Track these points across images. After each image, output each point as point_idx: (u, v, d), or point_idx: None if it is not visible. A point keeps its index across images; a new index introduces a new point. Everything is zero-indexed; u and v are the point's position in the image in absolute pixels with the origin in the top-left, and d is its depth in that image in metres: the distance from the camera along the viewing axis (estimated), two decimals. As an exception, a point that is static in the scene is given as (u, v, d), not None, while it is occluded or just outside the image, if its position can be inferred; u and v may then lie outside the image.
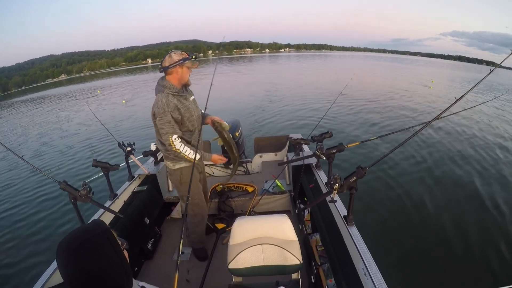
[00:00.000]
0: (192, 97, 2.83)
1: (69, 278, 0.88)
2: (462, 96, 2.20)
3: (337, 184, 2.22)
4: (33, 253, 4.80)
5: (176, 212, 3.91)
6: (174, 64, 2.51)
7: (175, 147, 2.55)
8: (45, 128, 15.46)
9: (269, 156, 5.01)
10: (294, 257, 1.99)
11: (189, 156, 2.60)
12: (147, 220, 3.47)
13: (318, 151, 3.20)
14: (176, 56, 2.52)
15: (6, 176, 8.65)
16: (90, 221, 1.05)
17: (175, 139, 2.54)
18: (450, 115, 2.56)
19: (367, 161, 6.46)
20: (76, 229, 0.96)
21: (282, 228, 2.03)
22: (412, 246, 4.48)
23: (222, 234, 3.54)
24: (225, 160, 2.82)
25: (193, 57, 2.59)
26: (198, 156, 2.60)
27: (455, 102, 2.20)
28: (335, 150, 3.09)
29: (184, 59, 2.52)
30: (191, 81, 2.74)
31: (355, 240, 2.28)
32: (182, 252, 3.22)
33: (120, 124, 13.36)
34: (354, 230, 2.40)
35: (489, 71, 2.20)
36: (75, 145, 11.01)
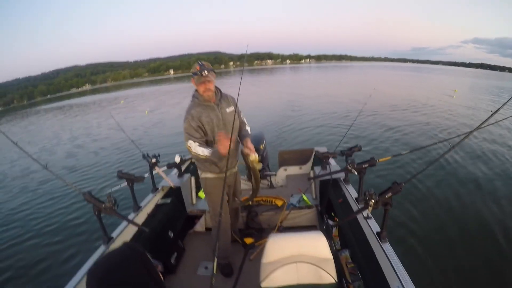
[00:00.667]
0: (230, 108, 2.75)
1: None
2: (500, 108, 2.19)
3: (372, 200, 2.17)
4: (51, 265, 4.81)
5: (200, 226, 3.82)
6: (192, 75, 2.55)
7: (192, 150, 2.54)
8: (70, 136, 15.91)
9: (293, 170, 4.93)
10: (329, 276, 1.91)
11: (202, 153, 2.53)
12: (171, 234, 3.41)
13: (349, 166, 3.11)
14: (193, 68, 2.54)
15: (28, 183, 8.85)
16: (121, 244, 0.98)
17: (190, 144, 2.53)
18: (487, 126, 2.40)
19: (393, 176, 6.30)
20: (109, 255, 0.90)
21: (317, 245, 1.98)
22: (451, 263, 4.26)
23: (250, 249, 3.42)
24: (227, 146, 2.39)
25: (201, 73, 2.48)
26: (207, 152, 2.51)
27: (493, 114, 2.17)
28: (366, 165, 3.00)
29: (193, 74, 2.52)
30: (210, 97, 2.63)
31: (389, 258, 2.19)
32: (206, 267, 3.15)
33: (144, 134, 13.51)
34: (388, 247, 2.31)
35: None
36: (99, 153, 11.24)
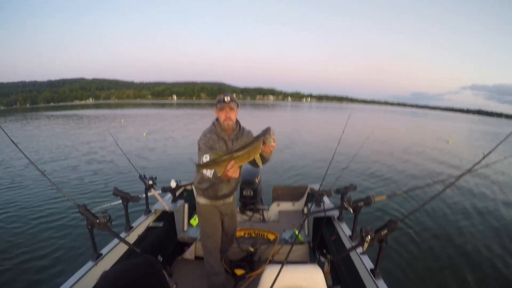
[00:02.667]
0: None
1: None
2: (491, 151, 2.29)
3: (368, 237, 2.22)
4: (34, 277, 4.63)
5: (189, 253, 3.78)
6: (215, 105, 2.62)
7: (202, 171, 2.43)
8: (66, 146, 15.97)
9: (286, 206, 4.91)
10: None
11: (207, 174, 2.37)
12: (160, 258, 3.39)
13: (346, 203, 3.15)
14: (217, 97, 2.63)
15: (23, 187, 8.75)
16: (138, 255, 0.95)
17: (204, 158, 2.43)
18: (479, 168, 2.51)
19: (387, 215, 6.55)
20: (126, 264, 0.90)
21: (314, 279, 1.96)
22: None
23: (240, 281, 3.37)
24: (236, 174, 2.20)
25: (224, 99, 2.58)
26: (210, 173, 2.35)
27: (485, 156, 2.30)
28: (362, 203, 3.06)
29: (217, 101, 2.62)
30: (232, 122, 2.64)
31: None
32: None
33: (139, 156, 13.44)
34: (381, 284, 2.35)
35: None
36: (94, 168, 11.14)
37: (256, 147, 2.15)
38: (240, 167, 2.51)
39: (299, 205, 4.89)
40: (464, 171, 2.43)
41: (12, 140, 2.80)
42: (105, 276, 0.83)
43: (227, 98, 2.57)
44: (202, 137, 2.61)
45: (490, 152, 2.29)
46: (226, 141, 2.66)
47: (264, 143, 2.15)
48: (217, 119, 2.69)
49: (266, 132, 2.16)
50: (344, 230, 3.41)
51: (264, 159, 2.40)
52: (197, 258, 3.72)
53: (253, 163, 2.38)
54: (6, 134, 2.89)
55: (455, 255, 5.47)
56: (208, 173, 2.38)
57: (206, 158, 2.41)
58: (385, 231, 2.23)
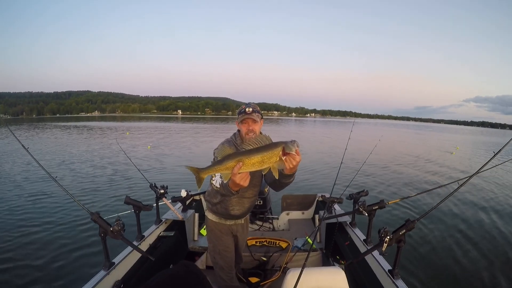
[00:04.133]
0: None
1: None
2: (501, 149, 2.39)
3: (388, 237, 2.24)
4: (43, 284, 4.57)
5: (200, 263, 3.75)
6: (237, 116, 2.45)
7: (211, 182, 2.40)
8: (76, 155, 16.31)
9: (296, 214, 4.93)
10: None
11: (215, 183, 2.33)
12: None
13: (360, 208, 3.17)
14: (239, 109, 2.47)
15: (35, 195, 8.74)
16: (178, 262, 0.89)
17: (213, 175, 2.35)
18: (488, 169, 2.63)
19: (399, 219, 6.73)
20: (173, 273, 0.86)
21: (337, 280, 1.95)
22: None
23: None
24: (246, 182, 1.90)
25: (245, 110, 2.38)
26: (218, 183, 2.29)
27: (495, 155, 2.34)
28: (376, 207, 3.10)
29: (238, 112, 2.44)
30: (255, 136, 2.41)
31: None
32: None
33: (149, 166, 13.53)
34: (401, 283, 2.35)
35: None
36: (103, 177, 11.18)
37: (272, 152, 1.72)
38: (259, 180, 2.50)
39: (308, 213, 4.90)
40: (475, 171, 2.47)
41: (24, 147, 2.81)
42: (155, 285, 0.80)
43: (248, 109, 2.36)
44: (218, 146, 2.33)
45: (499, 151, 2.35)
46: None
47: (283, 150, 1.72)
48: (238, 130, 2.51)
49: (290, 141, 1.74)
50: (358, 235, 3.42)
51: (284, 176, 2.10)
52: (208, 267, 3.68)
53: (270, 175, 2.20)
54: (19, 141, 2.93)
55: (471, 251, 5.73)
56: (216, 182, 2.30)
57: (216, 182, 2.34)
58: (403, 231, 2.26)
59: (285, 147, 1.70)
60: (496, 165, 3.12)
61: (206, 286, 0.83)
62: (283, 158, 1.72)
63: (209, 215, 2.72)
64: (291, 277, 1.95)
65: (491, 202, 9.13)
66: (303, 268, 1.87)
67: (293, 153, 1.71)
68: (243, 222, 2.83)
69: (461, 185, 2.42)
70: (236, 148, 2.40)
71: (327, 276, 1.97)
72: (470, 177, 2.47)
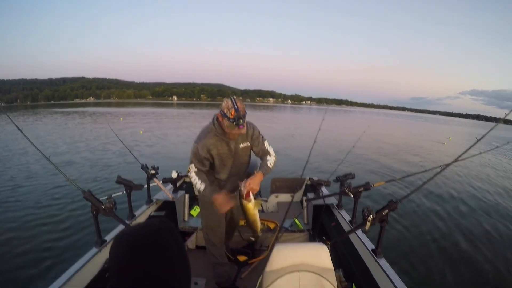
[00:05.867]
0: (245, 143, 2.61)
1: (127, 266, 0.81)
2: (483, 136, 2.40)
3: (371, 216, 2.31)
4: (38, 261, 4.63)
5: (191, 243, 3.79)
6: (221, 111, 2.28)
7: (190, 173, 2.49)
8: (69, 139, 16.41)
9: (285, 197, 4.99)
10: (330, 285, 1.93)
11: (196, 185, 2.45)
12: None
13: (346, 189, 3.26)
14: (225, 106, 2.25)
15: (28, 174, 8.92)
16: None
17: (192, 166, 2.47)
18: (472, 156, 2.82)
19: (385, 201, 6.91)
20: (142, 224, 0.91)
21: (320, 255, 2.00)
22: (446, 273, 4.72)
23: (243, 267, 3.39)
24: (226, 207, 2.41)
25: (238, 125, 2.24)
26: (202, 187, 2.42)
27: (478, 140, 2.41)
28: (362, 189, 3.18)
29: (224, 115, 2.25)
30: (251, 125, 2.58)
31: (386, 271, 2.31)
32: (196, 283, 3.10)
33: (140, 149, 13.62)
34: (384, 262, 2.43)
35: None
36: (96, 160, 11.32)
37: (245, 208, 2.43)
38: (246, 158, 2.72)
39: (297, 196, 4.95)
40: (457, 157, 2.59)
41: (17, 127, 2.81)
42: (121, 236, 0.85)
43: (242, 126, 2.26)
44: (198, 140, 2.43)
45: (482, 138, 2.39)
46: (229, 142, 2.49)
47: (244, 197, 2.36)
48: (217, 119, 2.41)
49: (239, 192, 2.37)
50: (344, 216, 3.53)
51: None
52: (198, 247, 3.75)
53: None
54: (12, 121, 2.90)
55: (450, 230, 6.19)
56: (203, 187, 2.45)
57: (192, 166, 2.46)
58: (386, 211, 2.33)
59: (241, 197, 2.37)
60: (481, 153, 3.21)
61: (177, 236, 0.89)
62: (248, 198, 2.36)
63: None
64: (276, 252, 2.00)
65: (471, 186, 9.82)
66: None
67: (245, 190, 2.33)
68: (235, 194, 2.78)
69: (442, 170, 2.50)
70: (220, 140, 2.47)
71: (311, 252, 2.02)
72: (452, 162, 2.56)
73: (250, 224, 2.60)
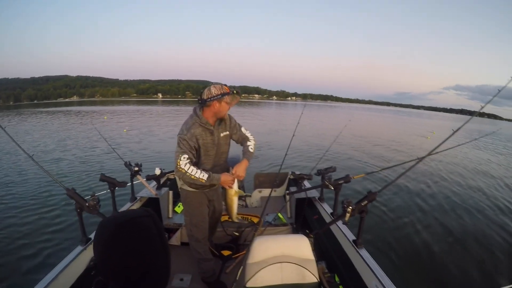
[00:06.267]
0: (225, 133, 2.76)
1: (110, 253, 0.85)
2: (459, 129, 2.58)
3: (350, 207, 2.37)
4: (24, 261, 4.63)
5: (175, 239, 3.82)
6: (212, 98, 2.44)
7: (180, 166, 2.43)
8: (52, 138, 16.14)
9: (268, 192, 4.92)
10: (312, 275, 1.98)
11: (196, 175, 2.45)
12: None
13: (327, 181, 3.36)
14: (215, 90, 2.44)
15: (12, 175, 8.83)
16: None
17: (183, 158, 2.44)
18: (445, 150, 2.96)
19: (360, 193, 7.31)
20: (124, 212, 0.93)
21: (301, 246, 2.06)
22: (424, 260, 5.01)
23: (227, 262, 3.45)
24: (232, 182, 2.64)
25: (234, 92, 2.50)
26: (205, 176, 2.47)
27: (454, 132, 2.56)
28: (342, 181, 3.29)
29: (223, 94, 2.44)
30: (227, 115, 2.73)
31: (366, 261, 2.38)
32: (182, 279, 3.15)
33: (125, 147, 13.56)
34: (364, 252, 2.51)
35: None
36: (80, 159, 11.22)
37: (226, 193, 2.77)
38: (226, 147, 2.87)
39: (280, 191, 5.02)
40: (431, 150, 2.71)
41: (1, 126, 2.82)
42: (105, 223, 0.90)
43: (238, 92, 2.55)
44: (185, 131, 2.51)
45: (457, 130, 2.53)
46: (213, 131, 2.62)
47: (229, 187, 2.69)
48: (200, 109, 2.57)
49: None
50: (326, 209, 3.63)
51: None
52: (183, 243, 3.77)
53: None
54: None
55: (428, 220, 6.52)
56: (201, 175, 2.47)
57: (184, 158, 2.45)
58: (365, 202, 2.40)
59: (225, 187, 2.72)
60: (460, 145, 3.32)
61: (158, 222, 0.94)
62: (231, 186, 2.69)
63: (187, 188, 2.81)
64: (257, 244, 2.05)
65: (448, 177, 10.46)
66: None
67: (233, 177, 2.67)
68: (217, 187, 3.00)
69: (418, 162, 2.63)
70: (204, 130, 2.59)
71: (292, 243, 2.08)
72: (427, 155, 2.71)
73: (227, 209, 2.90)
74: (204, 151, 2.63)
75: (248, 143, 2.87)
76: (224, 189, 2.77)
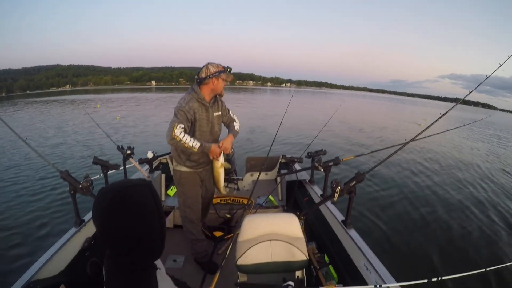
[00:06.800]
0: (218, 113, 2.90)
1: (109, 219, 0.88)
2: (444, 115, 2.70)
3: (339, 187, 2.42)
4: (19, 242, 4.72)
5: (168, 222, 3.85)
6: (210, 76, 2.60)
7: (175, 133, 2.50)
8: (46, 126, 16.40)
9: (260, 175, 5.08)
10: (301, 253, 2.01)
11: (189, 144, 2.53)
12: None
13: (316, 163, 3.44)
14: (212, 68, 2.61)
15: (4, 159, 9.03)
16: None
17: (178, 127, 2.51)
18: (432, 135, 3.09)
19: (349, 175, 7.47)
20: (123, 181, 0.96)
21: (290, 225, 2.10)
22: (410, 239, 5.21)
23: (219, 243, 3.51)
24: (219, 154, 2.76)
25: (228, 70, 2.69)
26: (197, 144, 2.56)
27: (441, 116, 2.68)
28: (332, 163, 3.33)
29: (220, 72, 2.62)
30: (224, 92, 2.84)
31: (355, 241, 2.42)
32: (175, 260, 3.21)
33: (117, 133, 13.78)
34: (353, 232, 2.56)
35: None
36: (73, 144, 11.48)
37: (213, 165, 2.89)
38: (219, 127, 2.97)
39: (272, 174, 5.09)
40: (420, 132, 2.77)
41: None
42: (104, 188, 0.94)
43: (231, 69, 2.74)
44: (183, 104, 2.61)
45: (444, 115, 2.64)
46: (208, 108, 2.74)
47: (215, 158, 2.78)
48: (199, 86, 2.70)
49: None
50: (316, 191, 3.68)
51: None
52: (176, 226, 3.81)
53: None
54: None
55: (417, 201, 6.84)
56: (194, 143, 2.55)
57: (180, 127, 2.51)
58: (354, 182, 2.45)
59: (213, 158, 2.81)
60: (447, 130, 3.40)
61: (155, 192, 0.98)
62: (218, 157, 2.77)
63: (182, 168, 2.89)
64: (247, 222, 2.10)
65: (437, 160, 11.25)
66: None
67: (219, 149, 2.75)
68: (208, 167, 3.05)
69: (406, 143, 2.70)
70: (201, 106, 2.70)
71: (282, 221, 2.12)
72: (415, 136, 2.78)
73: (214, 182, 3.02)
74: (198, 126, 2.72)
75: (234, 123, 3.05)
76: (211, 162, 2.89)
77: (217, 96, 2.86)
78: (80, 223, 2.71)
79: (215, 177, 2.94)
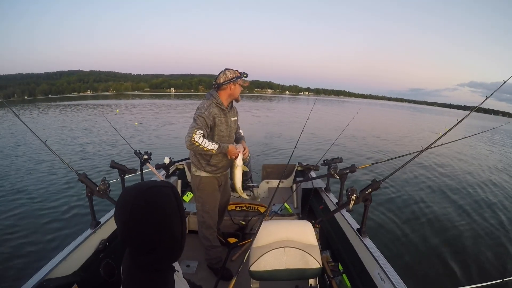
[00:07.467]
0: (235, 118, 2.99)
1: (131, 218, 0.88)
2: (460, 121, 2.51)
3: (354, 195, 2.40)
4: (34, 242, 4.81)
5: None
6: (228, 81, 2.68)
7: (194, 139, 2.52)
8: (66, 129, 16.86)
9: (275, 183, 4.98)
10: (315, 261, 1.99)
11: (208, 147, 2.57)
12: None
13: (332, 171, 3.38)
14: (230, 74, 2.69)
15: (26, 161, 9.20)
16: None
17: (198, 133, 2.53)
18: (449, 142, 2.92)
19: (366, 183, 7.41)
20: (146, 181, 0.98)
21: (305, 232, 2.10)
22: (426, 250, 5.07)
23: (233, 249, 3.50)
24: (237, 153, 2.79)
25: (245, 75, 2.75)
26: (215, 146, 2.60)
27: (458, 122, 2.51)
28: (348, 171, 3.30)
29: (237, 77, 2.70)
30: (240, 98, 2.89)
31: (370, 249, 2.39)
32: (188, 265, 3.22)
33: (134, 139, 13.85)
34: (368, 241, 2.52)
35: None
36: (91, 147, 11.72)
37: (232, 166, 2.89)
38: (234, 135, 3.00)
39: (288, 182, 5.06)
40: (436, 139, 2.66)
41: (14, 112, 2.91)
42: (128, 188, 0.95)
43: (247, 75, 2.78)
44: (203, 110, 2.64)
45: (459, 122, 2.49)
46: (226, 112, 2.79)
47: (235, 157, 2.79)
48: (217, 91, 2.76)
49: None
50: (331, 199, 3.63)
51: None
52: (190, 231, 3.80)
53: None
54: (8, 106, 3.05)
55: (433, 212, 6.59)
56: (212, 146, 2.59)
57: (199, 133, 2.53)
58: (370, 190, 2.41)
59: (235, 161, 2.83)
60: (465, 137, 3.31)
61: (177, 194, 0.98)
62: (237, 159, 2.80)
63: (201, 173, 2.91)
64: (263, 228, 2.10)
65: (457, 168, 11.03)
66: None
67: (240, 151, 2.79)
68: (226, 172, 3.12)
69: (424, 150, 2.60)
70: (220, 111, 2.75)
71: (296, 228, 2.12)
72: (433, 143, 2.67)
73: (233, 182, 3.01)
74: (218, 130, 2.76)
75: (240, 130, 3.19)
76: (231, 167, 2.94)
77: (233, 101, 2.92)
78: (96, 225, 2.73)
79: (233, 178, 2.94)
